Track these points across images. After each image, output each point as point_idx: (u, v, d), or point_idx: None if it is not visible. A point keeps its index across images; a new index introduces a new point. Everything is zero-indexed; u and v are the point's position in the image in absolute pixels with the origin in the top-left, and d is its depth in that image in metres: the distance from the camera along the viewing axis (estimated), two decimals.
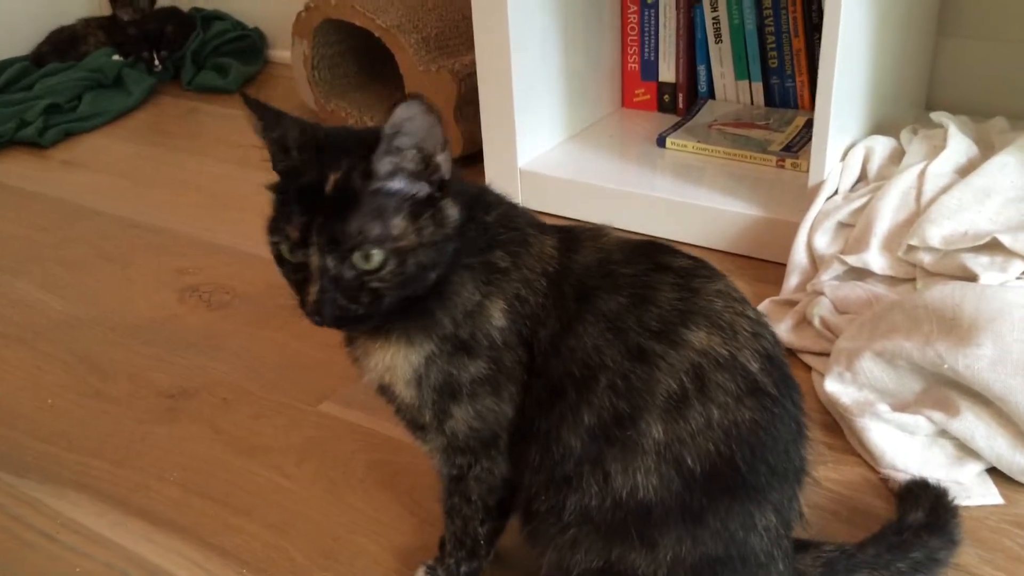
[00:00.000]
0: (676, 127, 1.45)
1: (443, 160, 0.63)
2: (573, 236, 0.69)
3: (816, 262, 1.11)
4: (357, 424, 0.98)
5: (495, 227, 0.67)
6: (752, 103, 1.49)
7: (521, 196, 1.43)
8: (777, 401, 0.61)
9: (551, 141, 1.47)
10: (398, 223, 0.61)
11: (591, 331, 0.63)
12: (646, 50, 1.54)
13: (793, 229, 1.15)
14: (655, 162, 1.41)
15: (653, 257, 0.66)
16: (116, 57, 2.14)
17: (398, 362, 0.66)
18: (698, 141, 1.40)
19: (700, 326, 0.62)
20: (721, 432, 0.60)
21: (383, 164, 0.61)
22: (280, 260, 0.64)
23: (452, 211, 0.64)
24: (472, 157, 1.58)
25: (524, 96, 1.37)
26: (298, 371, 1.09)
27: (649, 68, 1.55)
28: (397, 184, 0.62)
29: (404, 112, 0.59)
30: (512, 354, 0.65)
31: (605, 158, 1.43)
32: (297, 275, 0.63)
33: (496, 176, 1.44)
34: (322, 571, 0.81)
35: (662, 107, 1.57)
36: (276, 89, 2.12)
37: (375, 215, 0.61)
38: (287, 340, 1.14)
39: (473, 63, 1.53)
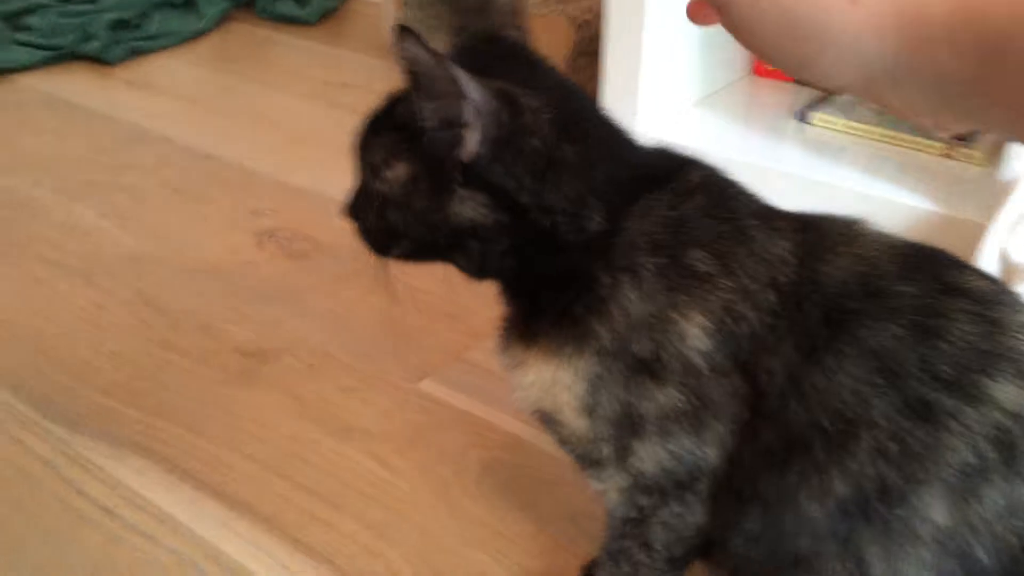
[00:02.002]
0: (821, 101, 1.29)
1: (474, 135, 0.48)
2: (819, 235, 0.52)
3: (1008, 273, 0.95)
4: (467, 412, 0.84)
5: (694, 216, 0.51)
6: None
7: None
8: None
9: (675, 107, 1.31)
10: (391, 176, 0.51)
11: (851, 370, 0.47)
12: None
13: (974, 230, 0.99)
14: (796, 138, 1.24)
15: (938, 274, 0.49)
16: None
17: (559, 381, 0.51)
18: (848, 119, 1.23)
19: (1008, 376, 0.45)
20: None
21: (415, 107, 0.49)
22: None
23: (463, 207, 0.50)
24: None
25: (654, 52, 1.21)
26: (393, 340, 0.94)
27: None
28: (410, 130, 0.50)
29: (410, 52, 0.46)
30: (722, 384, 0.49)
31: (736, 129, 1.27)
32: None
33: None
34: None
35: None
36: (357, 26, 1.96)
37: (382, 150, 0.52)
38: (378, 303, 1.00)
39: (592, 9, 1.37)
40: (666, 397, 0.49)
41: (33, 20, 1.79)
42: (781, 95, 1.38)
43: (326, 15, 1.99)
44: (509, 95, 0.49)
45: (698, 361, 0.49)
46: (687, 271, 0.49)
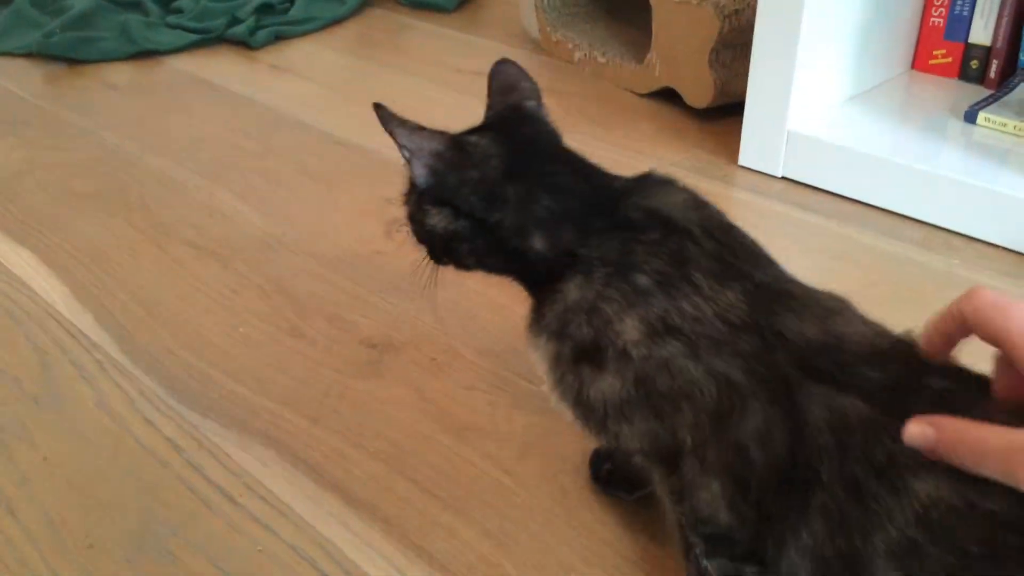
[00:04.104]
0: (990, 100, 1.18)
1: (415, 166, 0.63)
2: (782, 296, 0.55)
3: None
4: None
5: (646, 252, 0.57)
6: None
7: (784, 164, 1.20)
8: None
9: (827, 103, 1.23)
10: (408, 207, 0.67)
11: (817, 414, 0.50)
12: (958, 2, 1.26)
13: None
14: (960, 139, 1.15)
15: (909, 371, 0.51)
16: None
17: (537, 361, 0.62)
18: (1021, 120, 1.13)
19: (932, 476, 0.47)
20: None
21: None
22: None
23: (434, 219, 0.64)
24: (723, 110, 1.36)
25: (809, 44, 1.14)
26: (518, 339, 0.91)
27: (957, 25, 1.28)
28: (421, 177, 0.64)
29: (380, 117, 0.62)
30: (668, 376, 0.54)
31: (894, 128, 1.19)
32: None
33: (756, 137, 1.21)
34: None
35: (965, 74, 1.29)
36: (496, 13, 1.95)
37: (407, 191, 0.68)
38: (505, 302, 0.97)
39: None
40: (608, 385, 0.56)
41: (184, 3, 1.85)
42: (944, 92, 1.29)
43: (464, 2, 1.98)
44: (456, 140, 0.63)
45: (634, 351, 0.55)
46: (630, 283, 0.56)
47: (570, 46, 1.62)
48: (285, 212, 1.18)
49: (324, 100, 1.54)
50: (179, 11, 1.84)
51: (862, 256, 1.05)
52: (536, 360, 0.62)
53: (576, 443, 0.78)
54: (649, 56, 1.44)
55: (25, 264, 1.07)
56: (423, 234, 0.66)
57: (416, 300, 0.99)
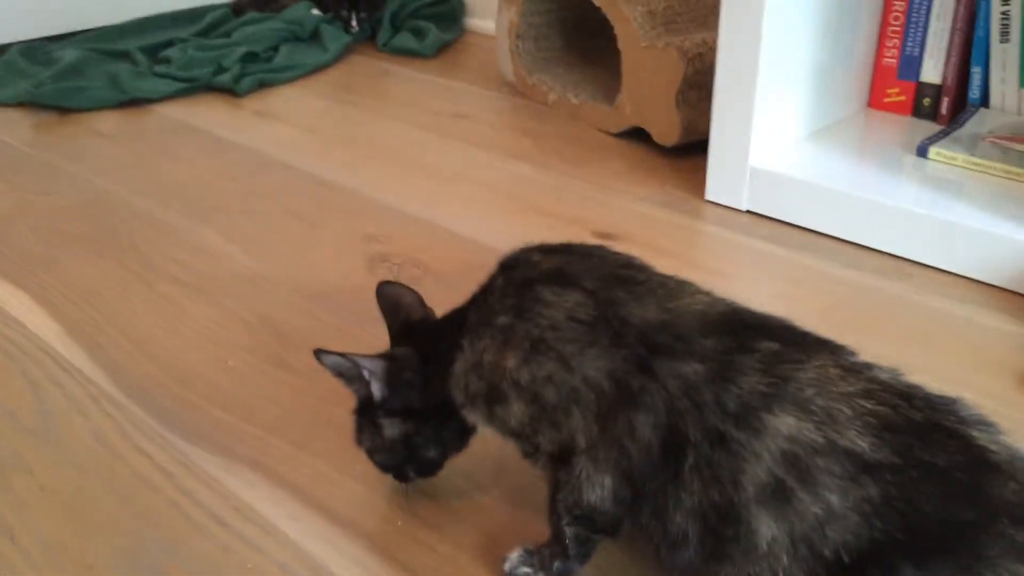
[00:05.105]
0: (941, 135, 1.25)
1: (375, 385, 0.73)
2: (622, 288, 0.64)
3: None
4: None
5: (497, 300, 0.67)
6: None
7: (748, 198, 1.26)
8: (901, 468, 0.52)
9: (787, 140, 1.30)
10: (364, 439, 0.76)
11: (672, 384, 0.58)
12: (909, 43, 1.34)
13: None
14: (913, 173, 1.21)
15: (736, 335, 0.59)
16: (315, 11, 2.09)
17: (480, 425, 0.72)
18: (969, 154, 1.19)
19: (787, 411, 0.55)
20: (856, 515, 0.52)
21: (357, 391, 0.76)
22: None
23: (391, 427, 0.74)
24: (691, 148, 1.42)
25: (767, 85, 1.20)
26: None
27: (909, 65, 1.35)
28: (362, 405, 0.76)
29: (328, 363, 0.73)
30: (553, 389, 0.63)
31: (852, 163, 1.25)
32: None
33: (721, 173, 1.27)
34: None
35: (918, 111, 1.36)
36: (473, 58, 2.02)
37: (359, 426, 0.77)
38: None
39: (704, 43, 1.38)
40: (518, 409, 0.65)
41: (172, 53, 1.91)
42: (898, 128, 1.35)
43: (443, 48, 2.05)
44: (390, 355, 0.74)
45: (519, 377, 0.64)
46: (492, 327, 0.66)
47: (545, 88, 1.68)
48: (269, 249, 1.22)
49: (307, 143, 1.59)
50: (167, 60, 1.90)
51: (823, 284, 1.11)
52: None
53: None
54: (619, 98, 1.50)
55: (19, 303, 1.11)
56: (386, 451, 0.75)
57: None
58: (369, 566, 0.73)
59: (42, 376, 0.97)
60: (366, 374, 0.72)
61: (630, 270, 0.67)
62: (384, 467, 0.77)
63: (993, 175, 1.17)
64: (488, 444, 0.85)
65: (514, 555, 0.70)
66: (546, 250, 0.70)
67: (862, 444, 0.53)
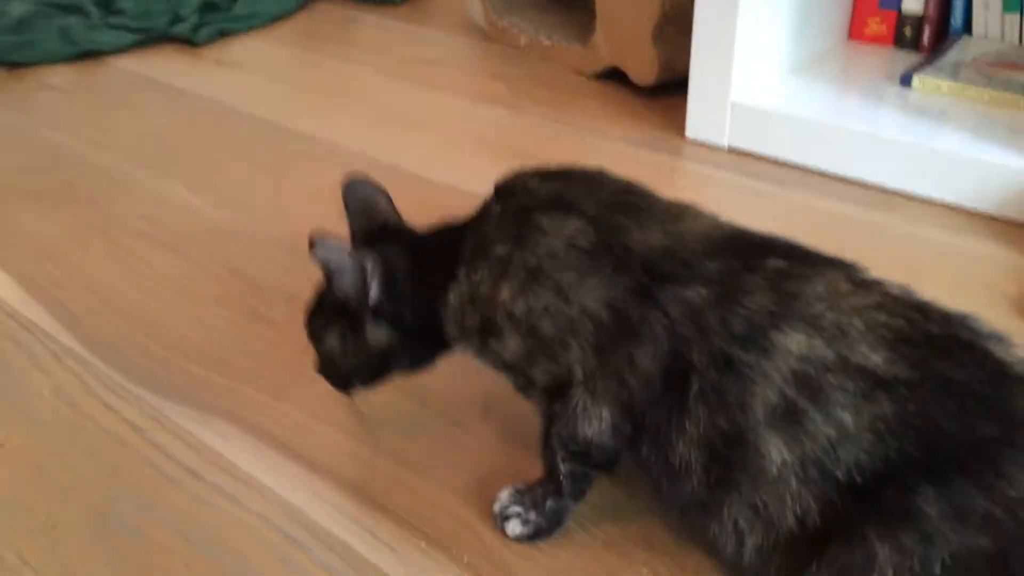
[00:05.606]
0: (924, 64, 1.22)
1: (374, 285, 0.67)
2: (623, 213, 0.61)
3: None
4: None
5: (494, 229, 0.64)
6: (1021, 42, 1.24)
7: (729, 134, 1.23)
8: (918, 383, 0.50)
9: (768, 74, 1.26)
10: (330, 341, 0.71)
11: (675, 311, 0.56)
12: None
13: None
14: (898, 103, 1.18)
15: (740, 254, 0.57)
16: None
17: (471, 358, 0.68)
18: (953, 82, 1.16)
19: (797, 329, 0.52)
20: (869, 434, 0.49)
21: (329, 294, 0.70)
22: None
23: (376, 333, 0.69)
24: (670, 87, 1.38)
25: (748, 18, 1.16)
26: None
27: None
28: (335, 304, 0.69)
29: (322, 254, 0.66)
30: (552, 320, 0.59)
31: (835, 95, 1.22)
32: None
33: (703, 110, 1.24)
34: (524, 559, 0.65)
35: (900, 42, 1.33)
36: (441, 3, 1.96)
37: (321, 326, 0.72)
38: None
39: None
40: (514, 343, 0.62)
41: (125, 4, 1.84)
42: (880, 59, 1.32)
43: None
44: (383, 256, 0.69)
45: (513, 309, 0.60)
46: (490, 258, 0.62)
47: (516, 31, 1.63)
48: (237, 201, 1.18)
49: (272, 92, 1.53)
50: (120, 12, 1.82)
51: (808, 218, 1.08)
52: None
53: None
54: (594, 37, 1.46)
55: None
56: (355, 357, 0.71)
57: None
58: (353, 513, 0.70)
59: None
60: (368, 271, 0.67)
61: (631, 195, 0.64)
62: (339, 374, 0.73)
63: (978, 102, 1.15)
64: (472, 384, 0.82)
65: (504, 495, 0.68)
66: (544, 175, 0.66)
67: (876, 359, 0.51)
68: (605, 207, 0.62)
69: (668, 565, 0.64)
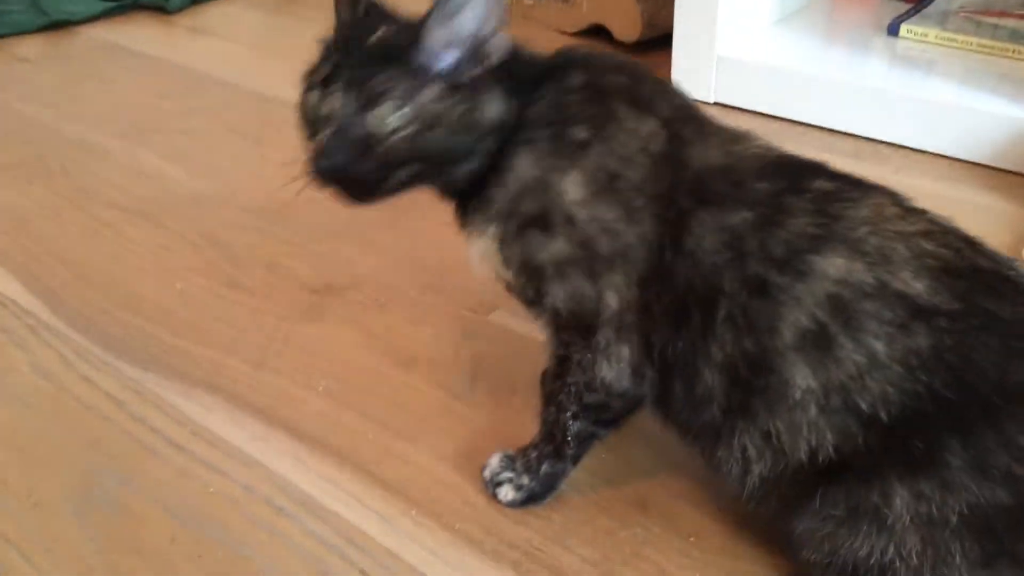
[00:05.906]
0: (911, 13, 1.20)
1: (496, 46, 0.57)
2: (691, 125, 0.58)
3: None
4: (535, 339, 0.80)
5: (576, 102, 0.58)
6: None
7: (715, 89, 1.20)
8: (960, 316, 0.48)
9: (754, 26, 1.24)
10: (427, 94, 0.55)
11: (710, 240, 0.54)
12: None
13: None
14: (885, 52, 1.16)
15: (791, 176, 0.55)
16: None
17: (484, 251, 0.60)
18: (941, 30, 1.14)
19: (837, 252, 0.51)
20: (900, 367, 0.48)
21: (433, 35, 0.55)
22: (303, 119, 0.62)
23: (492, 106, 0.57)
24: (653, 43, 1.36)
25: None
26: (463, 275, 0.90)
27: None
28: (442, 61, 0.56)
29: None
30: (607, 237, 0.56)
31: (821, 46, 1.20)
32: (315, 132, 0.59)
33: (688, 65, 1.21)
34: (516, 523, 0.64)
35: None
36: None
37: (408, 78, 0.55)
38: (447, 238, 0.95)
39: None
40: (556, 246, 0.56)
41: None
42: (866, 10, 1.30)
43: None
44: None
45: (578, 213, 0.56)
46: (570, 143, 0.56)
47: None
48: (213, 169, 1.15)
49: (246, 58, 1.50)
50: None
51: None
52: (478, 248, 0.61)
53: (525, 367, 0.77)
54: None
55: None
56: (446, 137, 0.56)
57: (355, 244, 0.97)
58: (341, 482, 0.68)
59: None
60: (491, 29, 0.56)
61: (696, 109, 0.61)
62: (370, 173, 0.57)
63: (966, 50, 1.13)
64: (460, 353, 0.81)
65: (494, 460, 0.66)
66: (611, 65, 0.60)
67: (918, 286, 0.49)
68: (677, 112, 0.59)
69: (663, 526, 0.63)
